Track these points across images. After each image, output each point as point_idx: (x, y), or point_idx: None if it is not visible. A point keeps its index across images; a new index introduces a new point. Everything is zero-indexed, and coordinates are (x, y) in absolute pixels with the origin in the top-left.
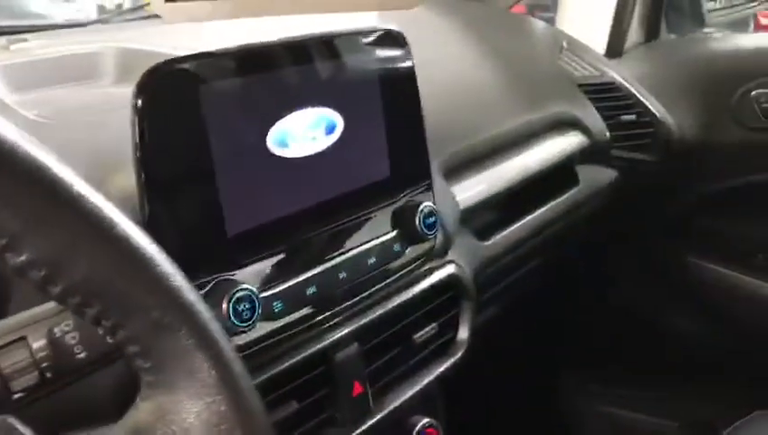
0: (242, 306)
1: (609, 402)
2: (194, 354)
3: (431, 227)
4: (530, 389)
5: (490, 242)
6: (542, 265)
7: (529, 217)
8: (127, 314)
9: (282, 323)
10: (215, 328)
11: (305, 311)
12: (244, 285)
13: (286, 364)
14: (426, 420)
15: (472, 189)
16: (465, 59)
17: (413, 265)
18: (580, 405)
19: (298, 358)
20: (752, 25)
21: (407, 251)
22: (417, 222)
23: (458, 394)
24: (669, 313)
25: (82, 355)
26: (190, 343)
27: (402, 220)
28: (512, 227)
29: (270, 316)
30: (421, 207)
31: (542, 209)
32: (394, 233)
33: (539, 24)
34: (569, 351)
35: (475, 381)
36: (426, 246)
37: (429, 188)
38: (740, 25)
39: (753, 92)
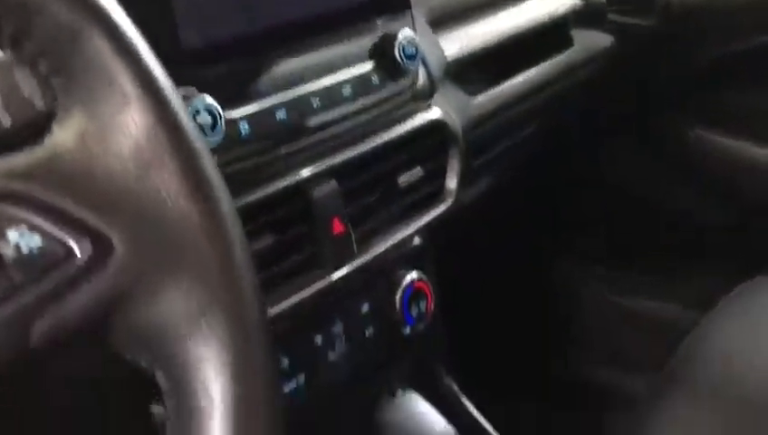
0: (201, 118)
1: (609, 288)
2: (110, 62)
3: (411, 58)
4: (526, 275)
5: (479, 98)
6: (536, 133)
7: (521, 76)
8: (30, 20)
9: (249, 148)
10: (131, 32)
11: (275, 137)
12: (203, 96)
13: (257, 196)
14: (415, 273)
15: (459, 42)
16: None
17: (393, 103)
18: (578, 291)
19: (270, 190)
20: None
21: (386, 85)
22: (395, 51)
23: (452, 267)
24: (669, 190)
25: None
26: (105, 48)
27: (380, 51)
28: (502, 85)
29: (236, 140)
30: (400, 35)
31: (535, 69)
32: (371, 64)
33: None
34: (565, 234)
35: (470, 258)
36: (406, 82)
37: (410, 18)
38: None
39: None
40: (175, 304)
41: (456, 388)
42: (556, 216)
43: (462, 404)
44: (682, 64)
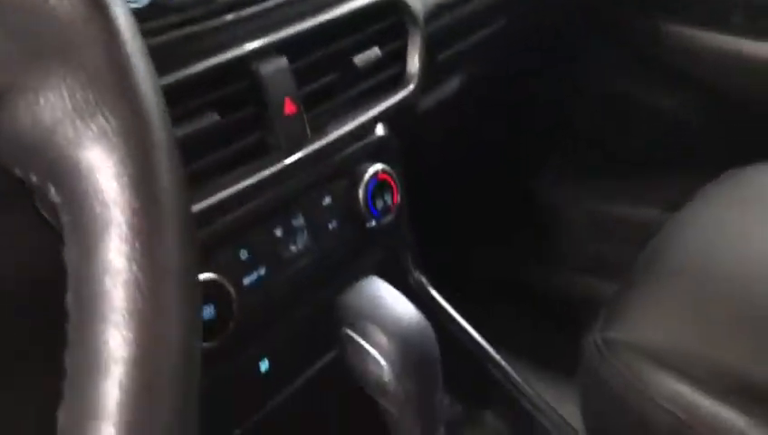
0: None
1: (590, 196)
2: None
3: None
4: (498, 181)
5: None
6: (503, 30)
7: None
8: None
9: (184, 16)
10: None
11: (215, 5)
12: None
13: (198, 68)
14: (379, 165)
15: None
16: None
17: None
18: (558, 200)
19: (212, 63)
20: None
21: None
22: None
23: (423, 168)
24: (644, 89)
25: None
26: None
27: None
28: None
29: (164, 5)
30: None
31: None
32: None
33: None
34: (543, 142)
35: (441, 162)
36: None
37: None
38: None
39: None
40: (60, 104)
41: (425, 281)
42: (528, 120)
43: (432, 297)
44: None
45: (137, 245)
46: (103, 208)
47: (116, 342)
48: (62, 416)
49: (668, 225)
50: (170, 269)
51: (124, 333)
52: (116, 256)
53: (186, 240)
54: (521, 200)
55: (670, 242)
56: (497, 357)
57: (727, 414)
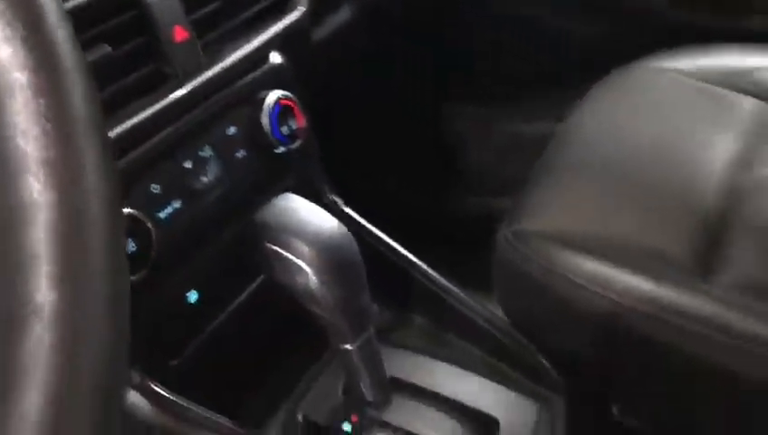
0: None
1: (490, 115)
2: None
3: None
4: (403, 106)
5: None
6: None
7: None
8: None
9: None
10: None
11: None
12: None
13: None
14: (280, 92)
15: None
16: None
17: None
18: (462, 124)
19: None
20: None
21: None
22: None
23: (328, 95)
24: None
25: None
26: None
27: None
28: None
29: None
30: None
31: None
32: None
33: None
34: (441, 68)
35: (345, 88)
36: None
37: None
38: None
39: None
40: None
41: (340, 201)
42: (428, 44)
43: (348, 214)
44: None
45: (41, 101)
46: (2, 74)
47: (35, 189)
48: None
49: (561, 127)
50: (78, 118)
51: (42, 179)
52: (24, 116)
53: (88, 91)
54: (425, 127)
55: (566, 140)
56: (418, 262)
57: (639, 281)
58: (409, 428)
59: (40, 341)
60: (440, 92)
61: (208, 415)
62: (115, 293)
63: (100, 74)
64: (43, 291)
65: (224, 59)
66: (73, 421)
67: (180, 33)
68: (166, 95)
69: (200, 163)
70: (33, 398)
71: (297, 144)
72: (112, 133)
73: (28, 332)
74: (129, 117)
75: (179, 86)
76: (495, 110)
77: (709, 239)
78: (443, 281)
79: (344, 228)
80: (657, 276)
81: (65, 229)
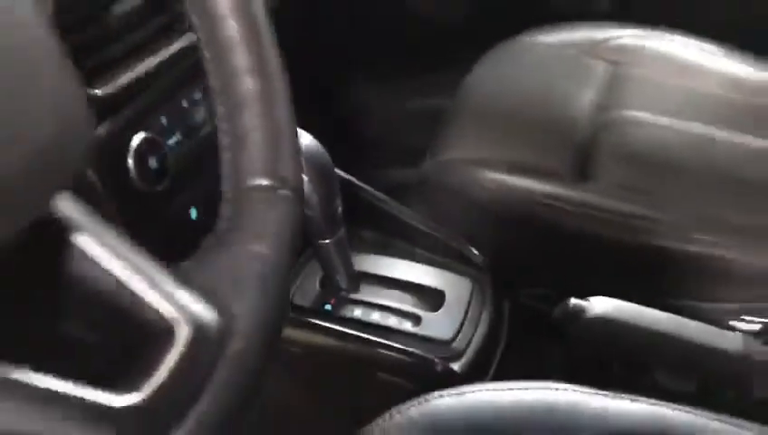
0: None
1: (389, 91)
2: None
3: None
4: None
5: None
6: None
7: None
8: None
9: None
10: None
11: None
12: None
13: None
14: None
15: None
16: None
17: None
18: (368, 98)
19: None
20: None
21: None
22: None
23: None
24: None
25: None
26: None
27: None
28: None
29: None
30: None
31: None
32: None
33: None
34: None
35: None
36: None
37: None
38: None
39: None
40: None
41: None
42: (330, 33)
43: None
44: None
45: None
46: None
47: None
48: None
49: (464, 85)
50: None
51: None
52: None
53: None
54: (332, 102)
55: (468, 94)
56: (364, 185)
57: (537, 186)
58: (377, 301)
59: None
60: (340, 73)
61: None
62: None
63: (132, 22)
64: None
65: None
66: None
67: None
68: (172, 44)
69: (193, 104)
70: None
71: None
72: (137, 72)
73: None
74: (150, 59)
75: (181, 37)
76: (393, 87)
77: (583, 158)
78: (387, 199)
79: (319, 144)
80: (549, 182)
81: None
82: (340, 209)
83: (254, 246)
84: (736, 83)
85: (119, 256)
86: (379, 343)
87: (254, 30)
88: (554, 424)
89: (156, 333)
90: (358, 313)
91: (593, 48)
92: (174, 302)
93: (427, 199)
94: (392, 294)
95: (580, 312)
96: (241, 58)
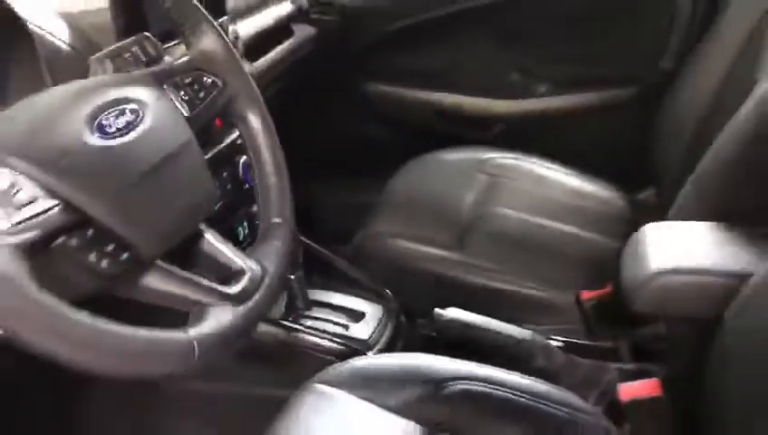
0: None
1: (344, 191)
2: None
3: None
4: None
5: (255, 64)
6: (283, 89)
7: (267, 56)
8: None
9: None
10: None
11: None
12: None
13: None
14: None
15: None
16: None
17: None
18: (317, 190)
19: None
20: None
21: None
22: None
23: None
24: (360, 124)
25: None
26: None
27: None
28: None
29: None
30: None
31: (273, 52)
32: None
33: None
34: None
35: None
36: None
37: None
38: None
39: None
40: None
41: None
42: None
43: None
44: (356, 42)
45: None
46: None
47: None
48: None
49: (388, 188)
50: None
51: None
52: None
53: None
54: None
55: (392, 193)
56: (318, 247)
57: (433, 251)
58: (322, 316)
59: None
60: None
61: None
62: None
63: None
64: None
65: None
66: None
67: None
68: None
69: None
70: None
71: None
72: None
73: None
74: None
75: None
76: (337, 185)
77: (462, 235)
78: (330, 255)
79: None
80: (439, 249)
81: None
82: (300, 259)
83: (275, 244)
84: (574, 192)
85: (222, 243)
86: (322, 337)
87: (272, 139)
88: (416, 369)
89: (237, 272)
90: (309, 322)
91: (479, 164)
92: (245, 262)
93: (358, 257)
94: (331, 313)
95: (440, 316)
96: (266, 155)
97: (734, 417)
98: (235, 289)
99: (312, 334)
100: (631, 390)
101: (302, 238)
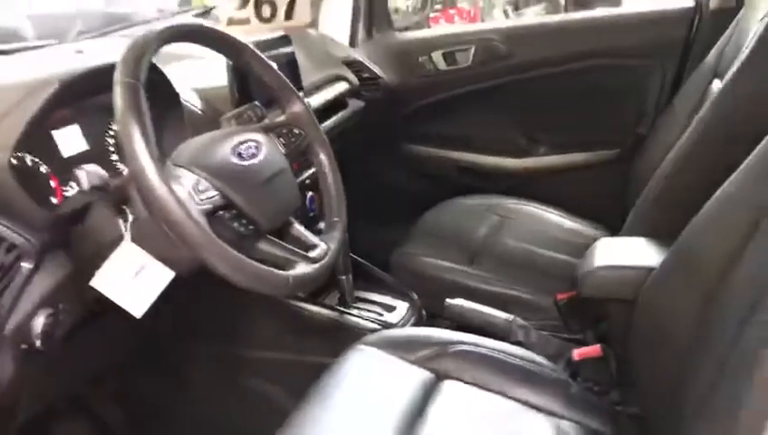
0: None
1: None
2: None
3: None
4: None
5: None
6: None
7: (330, 120)
8: None
9: None
10: None
11: None
12: None
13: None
14: None
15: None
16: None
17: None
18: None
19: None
20: (427, 25)
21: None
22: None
23: None
24: (401, 178)
25: None
26: None
27: None
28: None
29: None
30: None
31: (333, 118)
32: None
33: (316, 33)
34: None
35: None
36: None
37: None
38: (421, 25)
39: (420, 59)
40: None
41: None
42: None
43: None
44: (398, 112)
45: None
46: None
47: None
48: None
49: (419, 222)
50: None
51: None
52: None
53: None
54: None
55: (422, 225)
56: (362, 260)
57: (451, 265)
58: (363, 307)
59: None
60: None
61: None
62: None
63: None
64: None
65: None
66: None
67: None
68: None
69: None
70: None
71: None
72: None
73: None
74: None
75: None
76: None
77: (474, 256)
78: (372, 266)
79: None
80: (452, 263)
81: None
82: (350, 267)
83: (335, 233)
84: (564, 229)
85: (303, 228)
86: (364, 319)
87: (335, 170)
88: (430, 336)
89: (312, 246)
90: (355, 311)
91: (491, 207)
92: (317, 241)
93: (394, 269)
94: (371, 305)
95: (450, 304)
96: (330, 178)
97: (644, 361)
98: (311, 254)
99: (356, 316)
100: (582, 352)
101: (351, 254)
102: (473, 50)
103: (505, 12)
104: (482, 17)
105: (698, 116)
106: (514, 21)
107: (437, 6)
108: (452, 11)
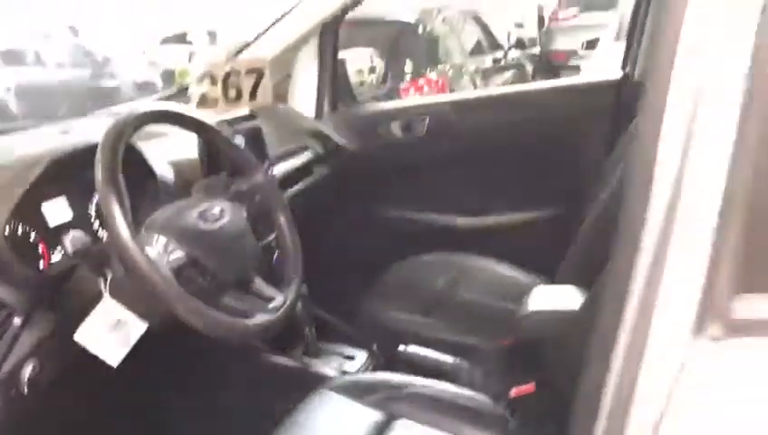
0: None
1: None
2: None
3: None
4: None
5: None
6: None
7: (295, 187)
8: None
9: None
10: None
11: None
12: None
13: None
14: None
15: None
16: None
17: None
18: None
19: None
20: (398, 96)
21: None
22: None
23: None
24: (358, 235)
25: None
26: None
27: None
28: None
29: None
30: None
31: (299, 184)
32: None
33: (283, 108)
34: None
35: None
36: None
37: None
38: (391, 96)
39: (380, 129)
40: None
41: None
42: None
43: None
44: (361, 179)
45: None
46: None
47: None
48: None
49: (383, 278)
50: None
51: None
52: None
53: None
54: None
55: (385, 280)
56: (326, 314)
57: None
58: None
59: None
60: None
61: None
62: None
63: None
64: None
65: None
66: None
67: None
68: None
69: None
70: None
71: None
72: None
73: None
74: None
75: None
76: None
77: (431, 308)
78: (332, 318)
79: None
80: (413, 314)
81: None
82: (313, 321)
83: (293, 287)
84: (512, 281)
85: (263, 282)
86: (327, 367)
87: (294, 233)
88: (385, 381)
89: (271, 298)
90: (319, 360)
91: (448, 263)
92: (276, 294)
93: (359, 321)
94: (334, 356)
95: (404, 350)
96: (289, 240)
97: (572, 395)
98: (270, 305)
99: (320, 365)
100: (518, 390)
101: (316, 308)
102: (427, 120)
103: (473, 82)
104: (450, 87)
105: (617, 174)
106: (470, 92)
107: (407, 77)
108: (421, 81)
